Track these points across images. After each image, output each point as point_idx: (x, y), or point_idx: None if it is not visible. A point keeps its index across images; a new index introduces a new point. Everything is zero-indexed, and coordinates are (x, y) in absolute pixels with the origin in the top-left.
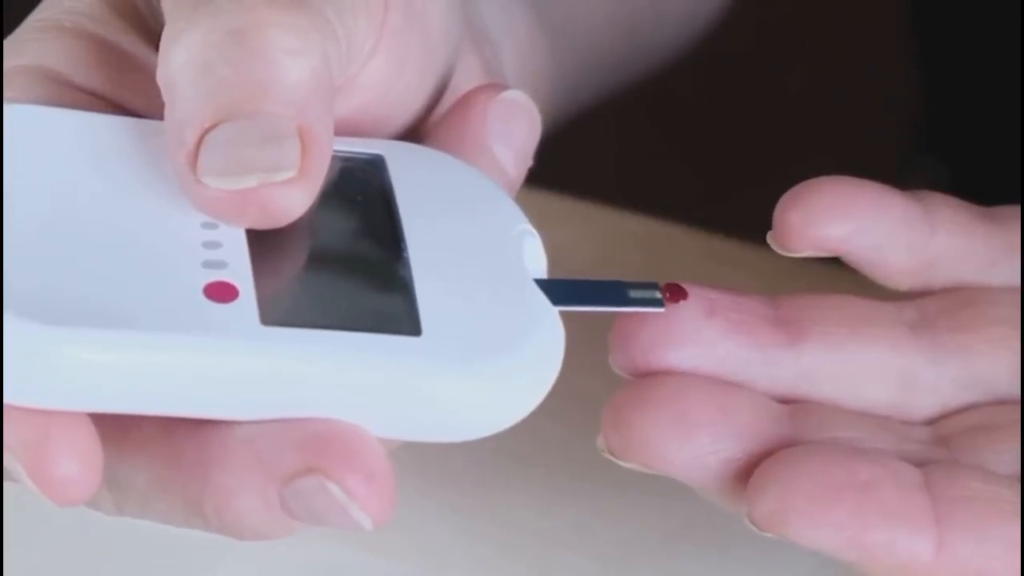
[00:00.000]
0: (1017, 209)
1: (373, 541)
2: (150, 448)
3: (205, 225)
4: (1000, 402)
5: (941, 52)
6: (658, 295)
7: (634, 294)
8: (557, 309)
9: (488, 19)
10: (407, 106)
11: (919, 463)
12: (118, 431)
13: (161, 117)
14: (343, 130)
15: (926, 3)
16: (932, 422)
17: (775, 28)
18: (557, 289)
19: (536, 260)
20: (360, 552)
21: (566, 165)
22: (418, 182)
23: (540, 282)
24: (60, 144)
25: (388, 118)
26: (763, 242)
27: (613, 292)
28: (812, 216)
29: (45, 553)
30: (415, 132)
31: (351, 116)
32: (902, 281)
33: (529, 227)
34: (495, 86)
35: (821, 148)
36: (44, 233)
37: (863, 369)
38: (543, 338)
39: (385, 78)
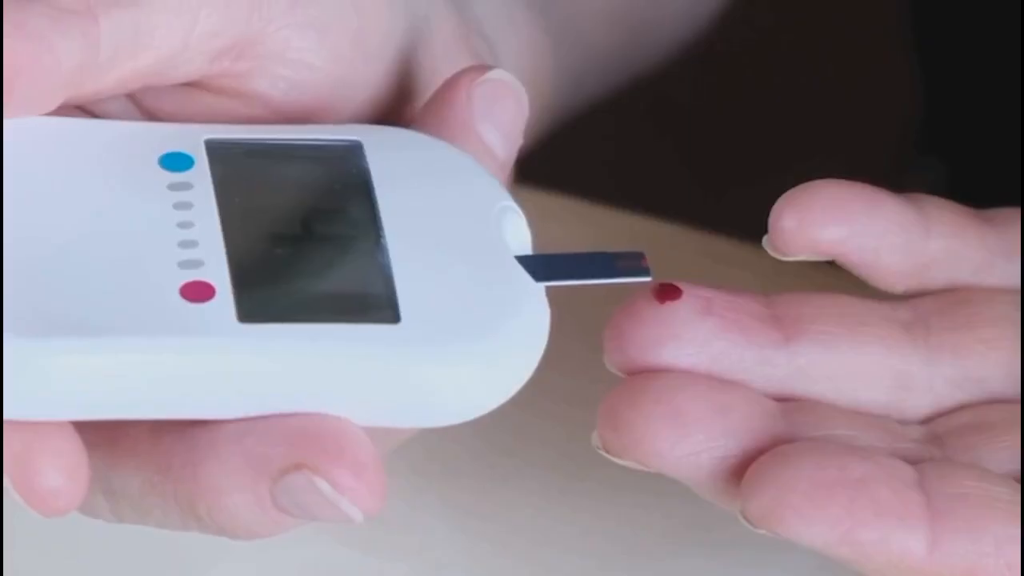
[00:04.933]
0: (1012, 211)
1: (371, 540)
2: (140, 454)
3: (181, 224)
4: (994, 401)
5: (940, 52)
6: (644, 264)
7: (620, 264)
8: (542, 285)
9: (483, 17)
10: (357, 85)
11: (913, 461)
12: (107, 439)
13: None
14: (294, 115)
15: (925, 3)
16: (926, 421)
17: (773, 28)
18: (540, 265)
19: (519, 237)
20: (359, 551)
21: (563, 164)
22: (396, 166)
23: (522, 259)
24: (31, 151)
25: (336, 97)
26: (759, 241)
27: (599, 264)
28: (807, 220)
29: (44, 553)
30: (396, 117)
31: (290, 99)
32: (897, 283)
33: (511, 203)
34: (479, 68)
35: (819, 148)
36: (19, 243)
37: (858, 368)
38: (526, 316)
39: (303, 49)
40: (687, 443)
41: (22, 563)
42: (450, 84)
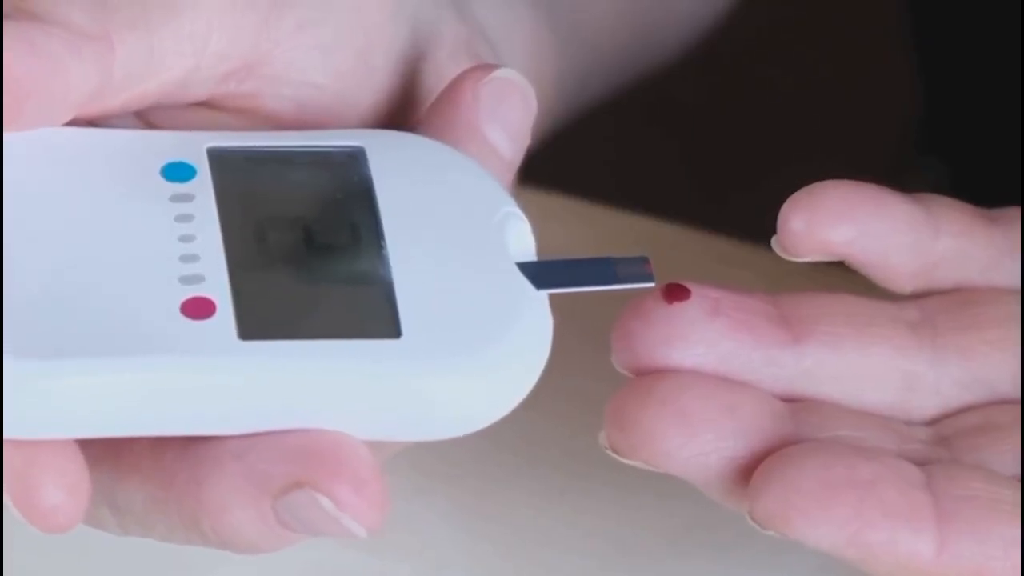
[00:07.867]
0: (1019, 211)
1: (373, 541)
2: (143, 470)
3: (183, 238)
4: (1001, 402)
5: (940, 52)
6: (648, 269)
7: (622, 270)
8: (545, 293)
9: (486, 19)
10: (361, 97)
11: (920, 463)
12: (111, 454)
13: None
14: (298, 129)
15: (925, 3)
16: (933, 422)
17: (774, 28)
18: (542, 272)
19: (523, 243)
20: (360, 552)
21: (565, 165)
22: (399, 173)
23: (524, 266)
24: (32, 161)
25: (341, 109)
26: (764, 242)
27: (600, 270)
28: (815, 221)
29: (45, 553)
30: (401, 122)
31: (295, 116)
32: (906, 284)
33: (515, 209)
34: (485, 67)
35: (820, 149)
36: (19, 260)
37: (865, 369)
38: (527, 325)
39: (308, 69)
40: (695, 443)
41: (22, 563)
42: (455, 84)
